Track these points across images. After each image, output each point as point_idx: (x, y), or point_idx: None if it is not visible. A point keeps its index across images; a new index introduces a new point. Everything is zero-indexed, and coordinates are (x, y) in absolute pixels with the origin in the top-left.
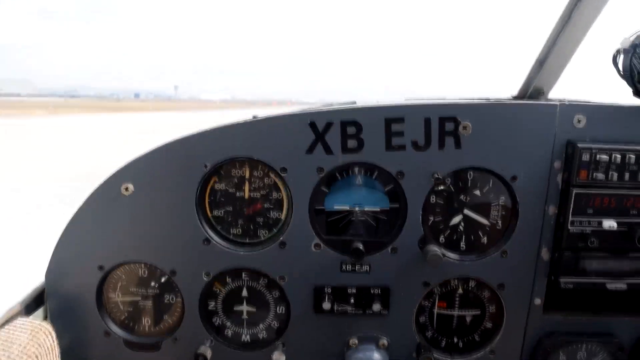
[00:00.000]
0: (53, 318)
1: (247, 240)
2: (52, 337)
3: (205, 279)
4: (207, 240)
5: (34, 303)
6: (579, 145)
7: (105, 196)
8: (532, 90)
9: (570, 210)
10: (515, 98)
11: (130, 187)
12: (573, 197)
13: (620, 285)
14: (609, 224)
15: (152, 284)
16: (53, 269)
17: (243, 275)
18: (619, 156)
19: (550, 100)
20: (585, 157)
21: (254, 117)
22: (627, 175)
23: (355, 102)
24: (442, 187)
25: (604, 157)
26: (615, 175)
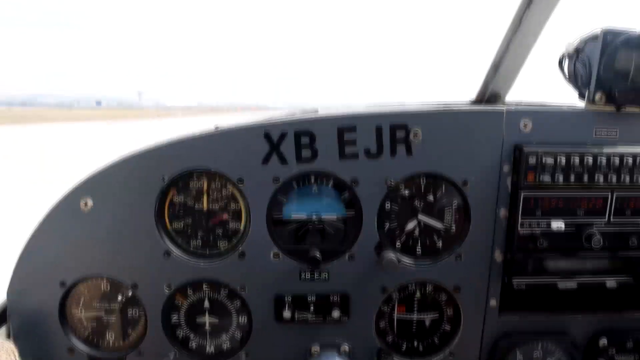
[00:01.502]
0: (16, 336)
1: (207, 252)
2: (14, 355)
3: (166, 291)
4: (168, 253)
5: None
6: (525, 149)
7: (65, 211)
8: (489, 94)
9: (520, 213)
10: (473, 102)
11: (90, 202)
12: (522, 200)
13: (570, 284)
14: (557, 224)
15: (115, 298)
16: (14, 287)
17: (204, 286)
18: (564, 158)
19: (508, 104)
20: (532, 160)
21: (216, 127)
22: (572, 177)
23: (317, 110)
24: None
25: (550, 159)
26: (561, 177)
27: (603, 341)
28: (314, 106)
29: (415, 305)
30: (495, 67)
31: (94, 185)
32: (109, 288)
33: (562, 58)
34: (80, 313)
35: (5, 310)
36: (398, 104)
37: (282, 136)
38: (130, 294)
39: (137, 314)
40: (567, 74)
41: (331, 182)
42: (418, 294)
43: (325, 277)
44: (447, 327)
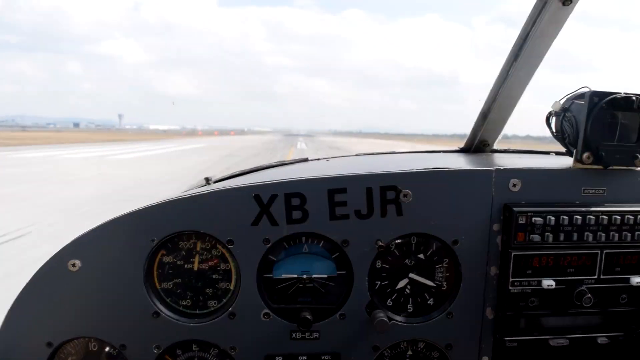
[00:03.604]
0: None
1: (197, 311)
2: None
3: (155, 352)
4: (157, 313)
5: None
6: (515, 209)
7: (52, 273)
8: (478, 142)
9: (510, 272)
10: (461, 150)
11: (78, 263)
12: (512, 259)
13: (562, 341)
14: (548, 283)
15: (103, 358)
16: (0, 347)
17: (193, 347)
18: (553, 218)
19: (495, 150)
20: (521, 220)
21: (206, 179)
22: (562, 236)
23: (307, 159)
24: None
25: (539, 219)
26: (551, 236)
27: None
28: (303, 155)
29: None
30: (484, 117)
31: (82, 246)
32: (96, 348)
33: (550, 115)
34: None
35: None
36: (388, 152)
37: (273, 198)
38: (118, 354)
39: None
40: (554, 131)
41: (322, 243)
42: (410, 352)
43: (316, 336)
44: None
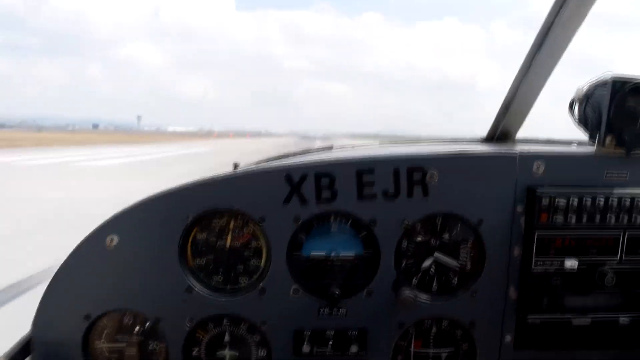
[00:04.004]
0: None
1: (228, 287)
2: None
3: (188, 325)
4: (190, 289)
5: (19, 355)
6: (538, 190)
7: (91, 248)
8: (500, 132)
9: (534, 252)
10: (484, 140)
11: (115, 239)
12: (535, 239)
13: (584, 320)
14: (570, 263)
15: (137, 331)
16: (40, 320)
17: (224, 321)
18: (576, 200)
19: (518, 140)
20: (545, 201)
21: (235, 165)
22: (584, 218)
23: (332, 147)
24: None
25: (562, 201)
26: (574, 218)
27: None
28: (328, 143)
29: (432, 341)
30: (506, 107)
31: (120, 223)
32: (131, 321)
33: (573, 102)
34: (102, 345)
35: (29, 342)
36: (414, 139)
37: (303, 178)
38: (152, 327)
39: (158, 346)
40: (577, 117)
41: (350, 222)
42: (434, 330)
43: (343, 312)
44: None
